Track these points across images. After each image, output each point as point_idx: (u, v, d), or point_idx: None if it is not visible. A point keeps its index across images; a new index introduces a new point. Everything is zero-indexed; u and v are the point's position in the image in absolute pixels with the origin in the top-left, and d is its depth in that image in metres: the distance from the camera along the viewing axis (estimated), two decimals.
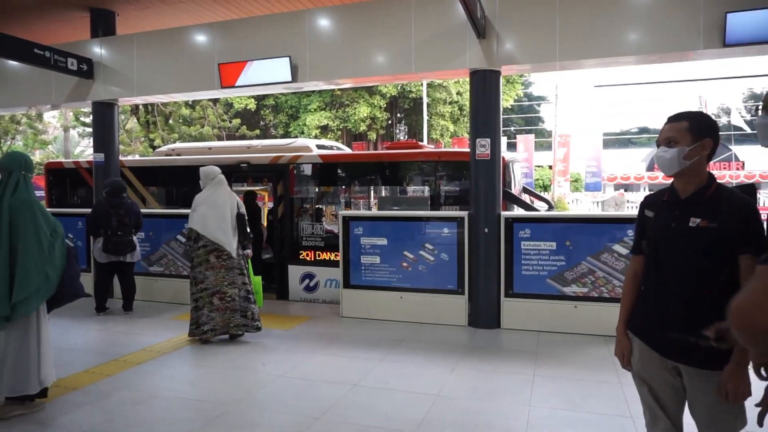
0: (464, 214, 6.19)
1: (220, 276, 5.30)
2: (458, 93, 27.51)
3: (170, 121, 24.49)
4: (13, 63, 8.32)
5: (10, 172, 3.65)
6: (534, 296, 5.96)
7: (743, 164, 32.10)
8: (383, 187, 7.99)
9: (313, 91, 27.42)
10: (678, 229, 2.09)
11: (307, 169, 7.80)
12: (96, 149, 7.95)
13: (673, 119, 2.14)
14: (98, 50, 7.79)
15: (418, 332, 5.92)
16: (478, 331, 5.99)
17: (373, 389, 4.19)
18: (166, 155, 8.81)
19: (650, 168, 36.52)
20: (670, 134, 2.10)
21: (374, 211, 6.98)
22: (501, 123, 6.13)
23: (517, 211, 6.73)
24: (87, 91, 7.87)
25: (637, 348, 2.27)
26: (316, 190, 8.21)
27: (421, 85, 25.59)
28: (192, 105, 25.68)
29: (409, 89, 25.96)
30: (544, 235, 5.93)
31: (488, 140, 6.00)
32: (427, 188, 7.48)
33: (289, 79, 6.64)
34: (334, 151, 8.25)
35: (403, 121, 30.89)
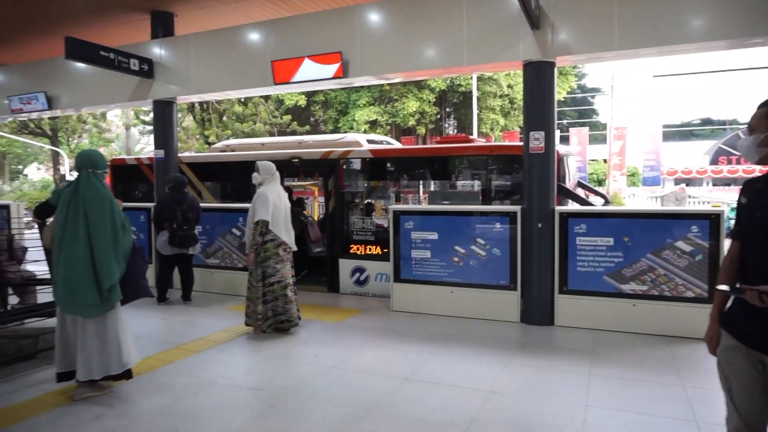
0: (517, 208, 6.07)
1: (287, 269, 5.50)
2: (509, 86, 27.01)
3: (224, 119, 25.21)
4: (79, 66, 8.78)
5: (79, 170, 3.92)
6: (590, 293, 5.79)
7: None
8: (433, 181, 7.95)
9: (362, 87, 27.58)
10: (764, 218, 1.99)
11: (358, 164, 7.85)
12: (156, 146, 8.29)
13: (760, 105, 2.05)
14: (158, 51, 8.10)
15: (469, 328, 5.87)
16: (531, 327, 5.88)
17: (425, 383, 4.19)
18: (221, 151, 9.07)
19: (714, 161, 34.73)
20: (751, 121, 2.03)
21: (425, 206, 6.95)
22: (555, 116, 5.97)
23: (572, 206, 6.54)
24: (147, 90, 8.20)
25: (723, 339, 2.21)
26: (367, 184, 8.26)
27: (471, 78, 25.26)
28: (245, 102, 26.35)
29: (458, 83, 25.69)
30: (601, 230, 5.75)
31: (542, 133, 5.85)
32: (477, 183, 7.38)
33: (341, 74, 6.69)
34: (384, 146, 8.25)
35: (452, 116, 30.61)
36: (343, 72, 6.69)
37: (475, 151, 7.25)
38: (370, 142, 8.20)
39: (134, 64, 7.68)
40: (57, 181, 31.50)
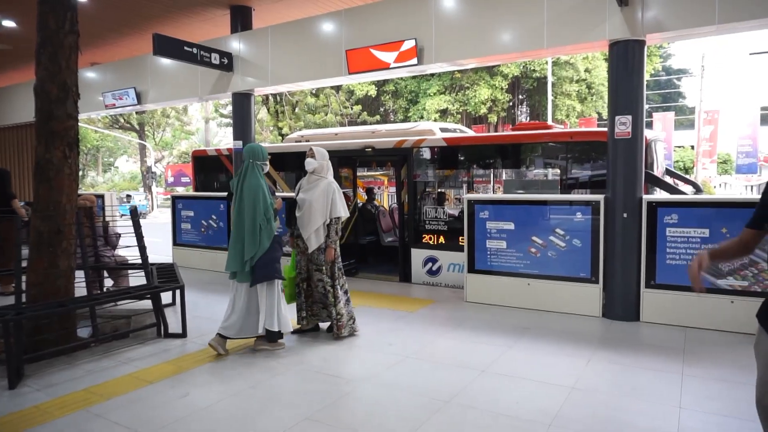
0: (600, 197, 5.77)
1: None
2: (586, 70, 25.88)
3: (296, 110, 25.82)
4: (164, 62, 9.23)
5: (243, 161, 4.64)
6: (680, 288, 5.42)
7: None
8: (510, 170, 7.72)
9: (433, 75, 27.30)
10: None
11: (431, 153, 7.75)
12: (235, 137, 8.58)
13: None
14: (237, 44, 8.36)
15: (547, 321, 5.67)
16: (614, 322, 5.59)
17: (503, 376, 4.07)
18: (296, 141, 9.26)
19: None
20: None
21: (501, 195, 6.76)
22: (644, 99, 5.59)
23: (661, 195, 6.12)
24: (227, 83, 8.50)
25: (759, 334, 2.17)
26: (440, 173, 8.15)
27: (546, 63, 24.38)
28: (316, 94, 26.84)
29: (532, 68, 24.86)
30: (695, 221, 5.34)
31: (629, 117, 5.50)
32: (556, 171, 7.09)
33: (415, 62, 6.61)
34: (458, 134, 8.10)
35: (524, 103, 29.69)
36: (418, 59, 6.60)
37: (555, 138, 6.95)
38: (443, 130, 8.07)
39: (215, 58, 7.96)
40: (143, 172, 33.57)
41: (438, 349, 4.78)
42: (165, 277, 5.79)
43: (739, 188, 24.79)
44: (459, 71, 26.20)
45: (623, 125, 5.53)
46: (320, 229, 4.83)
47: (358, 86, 25.83)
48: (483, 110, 25.27)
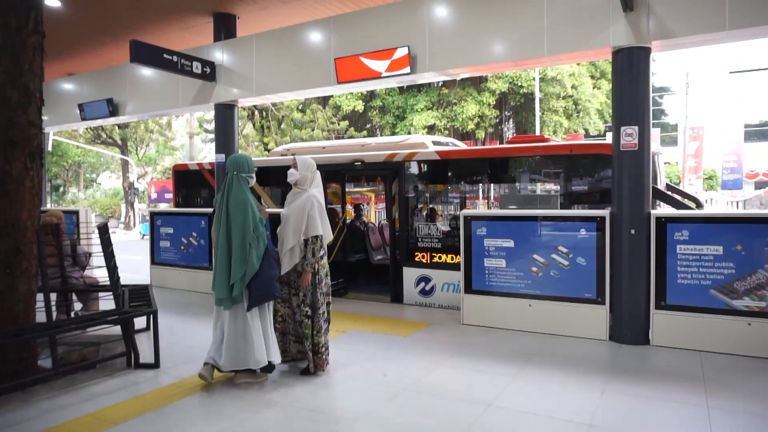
0: (605, 213, 5.44)
1: None
2: (573, 87, 25.93)
3: (282, 126, 25.47)
4: (144, 72, 8.81)
5: (227, 174, 4.16)
6: (693, 309, 5.08)
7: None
8: (506, 185, 7.38)
9: (420, 91, 27.19)
10: None
11: (424, 167, 7.40)
12: (218, 150, 8.16)
13: None
14: (220, 53, 7.98)
15: (551, 345, 5.28)
16: (623, 347, 5.22)
17: (512, 412, 3.66)
18: (282, 155, 8.86)
19: None
20: None
21: (500, 210, 6.40)
22: (651, 109, 5.30)
23: (671, 210, 5.82)
24: (210, 94, 8.10)
25: None
26: (433, 188, 7.80)
27: (534, 79, 24.39)
28: (303, 109, 26.55)
29: (519, 84, 24.82)
30: (708, 237, 5.03)
31: (636, 128, 5.21)
32: (556, 186, 6.77)
33: (408, 70, 6.28)
34: (451, 147, 7.77)
35: (510, 119, 29.63)
36: (411, 68, 6.27)
37: (553, 151, 6.64)
38: (435, 143, 7.74)
39: (197, 67, 7.57)
40: (126, 189, 32.85)
41: (438, 379, 4.36)
42: (138, 299, 5.32)
43: (725, 204, 24.83)
44: (446, 87, 26.17)
45: (629, 136, 5.22)
46: (295, 249, 4.25)
47: (345, 101, 25.60)
48: (470, 126, 25.13)
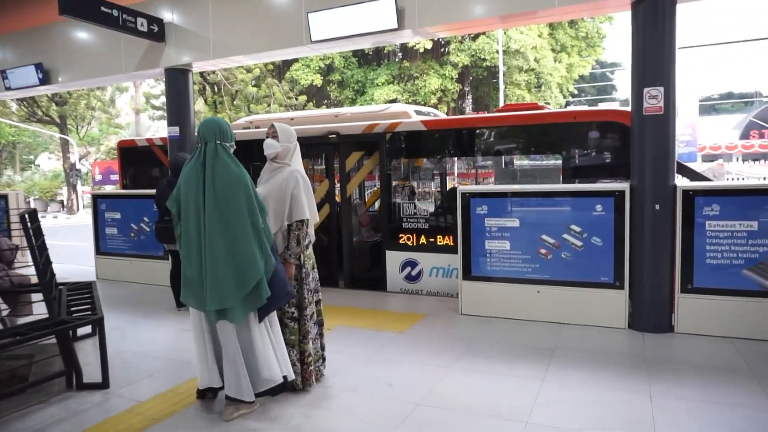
0: (625, 186, 4.83)
1: None
2: (535, 60, 25.56)
3: (236, 101, 24.07)
4: (81, 35, 7.60)
5: (205, 143, 3.09)
6: (723, 292, 4.56)
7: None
8: (501, 157, 6.68)
9: (382, 61, 26.23)
10: None
11: (408, 139, 6.61)
12: (170, 122, 7.11)
13: None
14: (169, 9, 6.88)
15: (567, 337, 4.67)
16: (645, 336, 4.67)
17: (554, 430, 3.00)
18: (244, 128, 7.88)
19: (745, 136, 33.01)
20: None
21: (502, 186, 5.71)
22: (676, 68, 4.67)
23: (698, 183, 5.26)
24: (158, 57, 7.01)
25: None
26: (419, 162, 7.06)
27: (497, 52, 23.85)
28: (257, 84, 25.19)
29: (483, 57, 24.22)
30: (741, 212, 4.49)
31: (661, 90, 4.58)
32: (557, 158, 6.12)
33: (395, 25, 5.44)
34: (440, 117, 7.00)
35: (469, 94, 29.09)
36: (398, 22, 5.43)
37: (555, 119, 5.97)
38: (418, 113, 6.96)
39: (142, 24, 6.47)
40: (67, 170, 30.61)
41: (454, 389, 3.65)
42: (80, 302, 4.38)
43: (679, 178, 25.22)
44: (408, 60, 25.35)
45: (654, 99, 4.59)
46: (277, 236, 3.44)
47: (302, 75, 24.44)
48: (433, 100, 24.43)
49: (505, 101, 25.20)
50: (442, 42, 25.37)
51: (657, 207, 4.65)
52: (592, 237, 4.96)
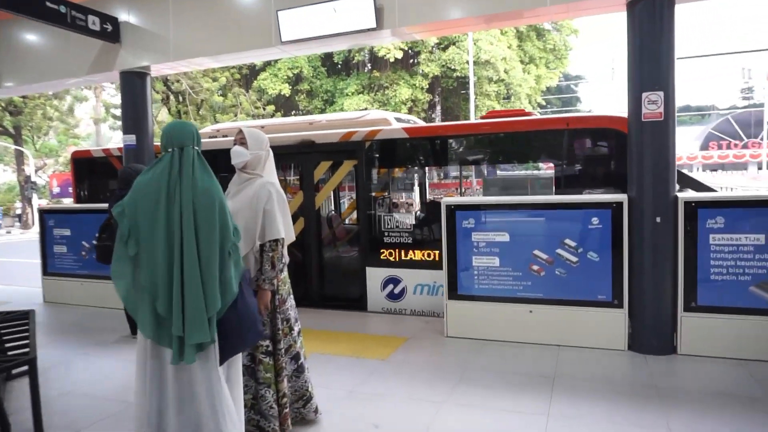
0: (623, 198, 4.50)
1: None
2: (505, 71, 25.65)
3: (202, 111, 23.33)
4: (27, 35, 6.95)
5: (181, 148, 2.47)
6: (730, 310, 4.26)
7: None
8: (490, 167, 6.31)
9: (352, 71, 25.92)
10: None
11: (389, 147, 6.18)
12: (126, 130, 6.51)
13: None
14: (125, 7, 6.32)
15: (565, 362, 4.29)
16: (648, 358, 4.33)
17: None
18: (210, 137, 7.33)
19: (704, 147, 34.00)
20: None
21: (490, 198, 5.34)
22: (675, 71, 4.38)
23: (701, 194, 4.98)
24: (113, 59, 6.42)
25: None
26: (405, 172, 6.62)
27: (467, 63, 23.83)
28: (224, 93, 24.52)
29: (453, 67, 24.15)
30: (747, 225, 4.21)
31: (661, 95, 4.28)
32: (549, 166, 5.79)
33: (373, 25, 5.03)
34: (421, 124, 6.59)
35: (439, 104, 29.01)
36: (377, 21, 5.02)
37: (547, 126, 5.63)
38: (398, 120, 6.56)
39: (93, 23, 5.89)
40: (22, 183, 29.13)
41: (451, 429, 3.21)
42: (13, 336, 3.77)
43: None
44: (377, 70, 25.12)
45: (653, 104, 4.29)
46: (248, 258, 2.95)
47: (270, 84, 23.92)
48: (403, 110, 24.19)
49: (475, 112, 25.16)
50: (411, 53, 25.24)
51: (658, 219, 4.33)
52: (588, 252, 4.61)
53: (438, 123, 6.74)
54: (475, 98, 25.62)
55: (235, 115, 23.65)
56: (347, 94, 24.86)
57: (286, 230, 3.00)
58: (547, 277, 4.74)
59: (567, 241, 4.67)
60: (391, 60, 23.26)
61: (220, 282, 2.41)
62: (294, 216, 6.73)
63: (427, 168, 6.64)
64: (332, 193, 7.10)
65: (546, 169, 5.79)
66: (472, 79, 24.23)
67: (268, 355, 3.00)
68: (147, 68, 6.43)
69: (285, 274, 3.09)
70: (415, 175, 6.81)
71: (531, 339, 4.77)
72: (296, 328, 3.16)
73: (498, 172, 6.32)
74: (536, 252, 4.76)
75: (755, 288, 4.20)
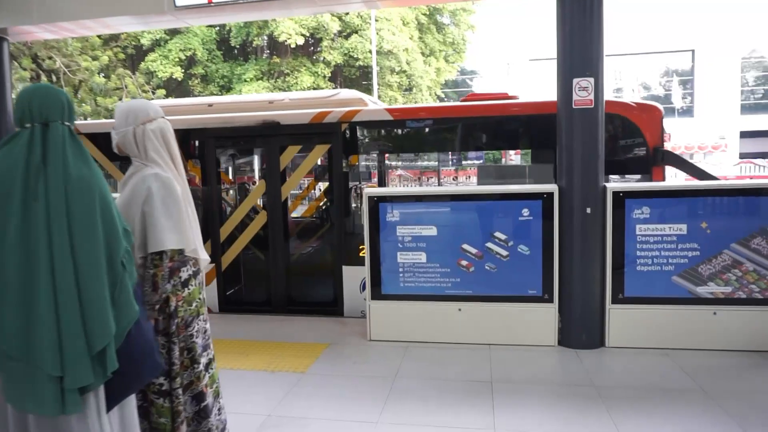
0: (553, 188, 4.32)
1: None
2: (407, 62, 25.70)
3: (80, 93, 20.94)
4: None
5: (46, 124, 1.78)
6: (654, 301, 4.25)
7: (669, 136, 32.30)
8: (482, 152, 5.80)
9: (249, 56, 24.66)
10: None
11: (369, 130, 5.54)
12: None
13: None
14: None
15: (498, 362, 4.04)
16: (579, 353, 4.21)
17: None
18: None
19: None
20: None
21: (416, 189, 4.96)
22: (604, 59, 4.25)
23: (628, 184, 4.90)
24: None
25: None
26: (388, 158, 5.95)
27: (370, 52, 23.55)
28: (107, 75, 22.27)
29: (355, 56, 23.77)
30: (671, 215, 4.20)
31: (591, 81, 4.13)
32: (551, 153, 5.40)
33: None
34: (409, 105, 5.85)
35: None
36: None
37: (552, 110, 5.27)
38: (372, 101, 5.95)
39: None
40: None
41: None
42: None
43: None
44: (278, 57, 24.13)
45: (584, 91, 4.14)
46: (157, 276, 2.27)
47: (160, 67, 22.03)
48: None
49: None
50: (313, 40, 24.48)
51: (588, 210, 4.20)
52: (519, 245, 4.39)
53: (427, 104, 6.04)
54: (378, 88, 25.46)
55: (120, 99, 21.54)
56: (245, 80, 23.61)
57: (177, 239, 2.27)
58: (476, 272, 4.47)
59: (497, 234, 4.42)
60: (292, 46, 22.35)
61: (113, 301, 1.77)
62: (254, 209, 5.92)
63: (411, 154, 6.02)
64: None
65: (548, 156, 5.33)
66: (375, 69, 24.00)
67: (162, 396, 2.31)
68: (4, 31, 5.30)
69: (192, 289, 2.43)
70: (399, 162, 6.17)
71: (461, 339, 4.48)
72: (202, 360, 2.42)
73: (491, 158, 5.83)
74: (465, 246, 4.47)
75: (677, 277, 4.21)
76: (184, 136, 5.57)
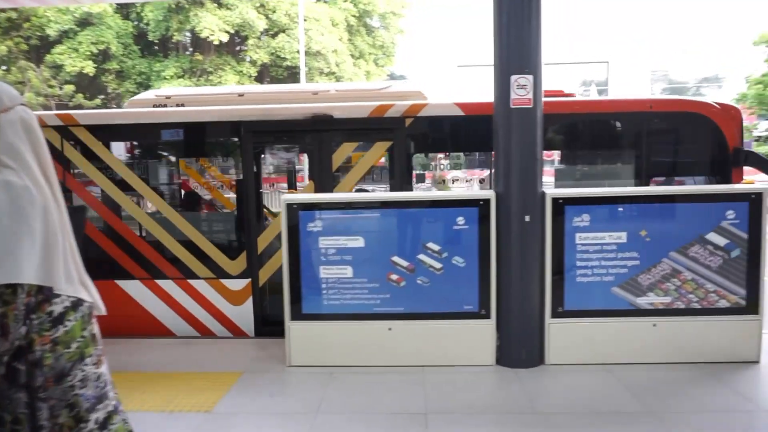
0: (489, 194, 3.98)
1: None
2: (336, 64, 25.24)
3: None
4: None
5: None
6: (594, 313, 4.00)
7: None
8: (572, 153, 5.32)
9: (170, 52, 23.28)
10: None
11: (437, 127, 4.95)
12: None
13: None
14: None
15: (432, 389, 3.64)
16: (518, 372, 3.90)
17: None
18: (154, 106, 5.19)
19: None
20: None
21: (340, 195, 4.46)
22: (542, 55, 3.96)
23: (566, 189, 4.59)
24: None
25: None
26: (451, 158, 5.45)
27: (297, 52, 22.87)
28: (7, 67, 20.30)
29: (283, 56, 23.02)
30: (611, 222, 3.98)
31: (530, 79, 3.83)
32: (630, 154, 5.03)
33: None
34: (482, 100, 5.13)
35: None
36: None
37: (628, 108, 4.85)
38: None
39: None
40: None
41: None
42: None
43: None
44: (200, 54, 22.92)
45: (522, 89, 3.82)
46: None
47: (69, 60, 20.22)
48: None
49: None
50: (239, 38, 23.51)
51: (527, 218, 3.89)
52: (454, 257, 4.01)
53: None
54: None
55: (22, 94, 19.56)
56: (165, 78, 22.20)
57: (37, 271, 1.62)
58: (407, 287, 4.04)
59: (430, 244, 4.02)
60: (216, 43, 21.28)
61: None
62: None
63: (482, 154, 5.47)
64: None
65: (627, 157, 4.96)
66: (303, 70, 23.32)
67: None
68: None
69: (70, 326, 1.72)
70: (465, 162, 5.54)
71: (391, 362, 4.04)
72: (94, 417, 1.72)
73: (571, 159, 5.35)
74: (395, 258, 4.04)
75: (617, 288, 3.99)
76: (212, 131, 5.01)
